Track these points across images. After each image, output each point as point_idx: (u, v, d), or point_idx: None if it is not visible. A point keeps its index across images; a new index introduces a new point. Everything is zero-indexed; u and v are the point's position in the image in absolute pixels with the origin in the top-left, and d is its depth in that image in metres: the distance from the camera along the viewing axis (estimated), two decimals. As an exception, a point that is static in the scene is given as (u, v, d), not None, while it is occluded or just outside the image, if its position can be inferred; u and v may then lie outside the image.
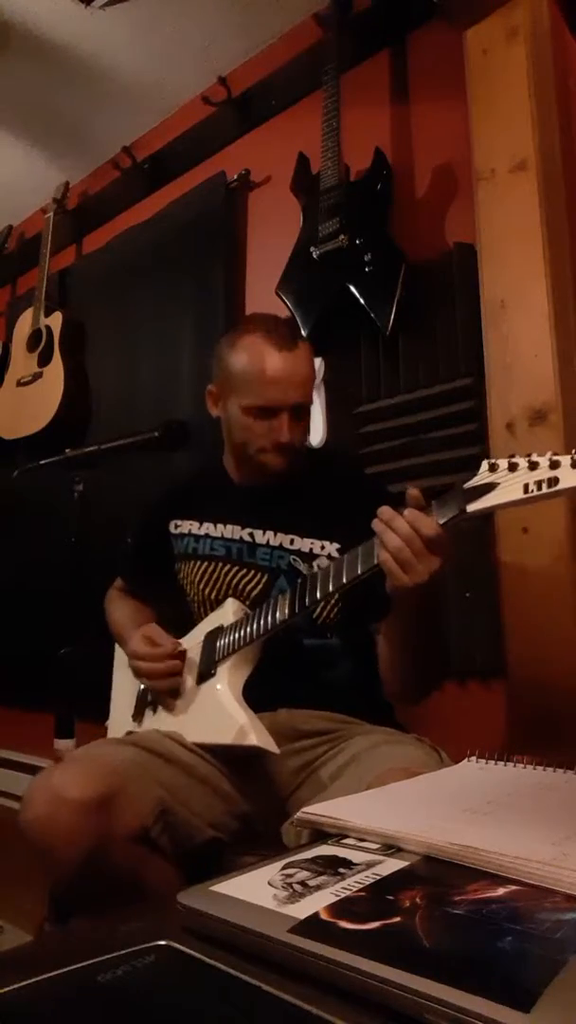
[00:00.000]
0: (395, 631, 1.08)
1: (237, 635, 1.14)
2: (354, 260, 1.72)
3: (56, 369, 2.58)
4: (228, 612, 1.20)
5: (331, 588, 1.02)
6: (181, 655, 1.19)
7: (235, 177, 2.25)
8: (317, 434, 1.81)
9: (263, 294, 1.97)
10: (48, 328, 2.64)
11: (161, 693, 1.20)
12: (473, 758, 0.86)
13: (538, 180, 1.45)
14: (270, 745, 1.03)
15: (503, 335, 1.47)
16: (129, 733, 1.25)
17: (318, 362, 1.81)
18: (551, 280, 1.42)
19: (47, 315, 2.66)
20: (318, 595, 1.04)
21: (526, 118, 1.48)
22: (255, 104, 2.26)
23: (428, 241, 1.76)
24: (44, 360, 2.63)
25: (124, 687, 1.36)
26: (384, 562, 0.93)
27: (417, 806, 0.70)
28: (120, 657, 1.41)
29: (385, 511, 0.94)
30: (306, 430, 1.26)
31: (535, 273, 1.43)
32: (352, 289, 1.71)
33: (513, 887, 0.50)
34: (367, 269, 1.70)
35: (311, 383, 1.24)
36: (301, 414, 1.23)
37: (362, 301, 1.70)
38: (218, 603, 1.24)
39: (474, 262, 1.55)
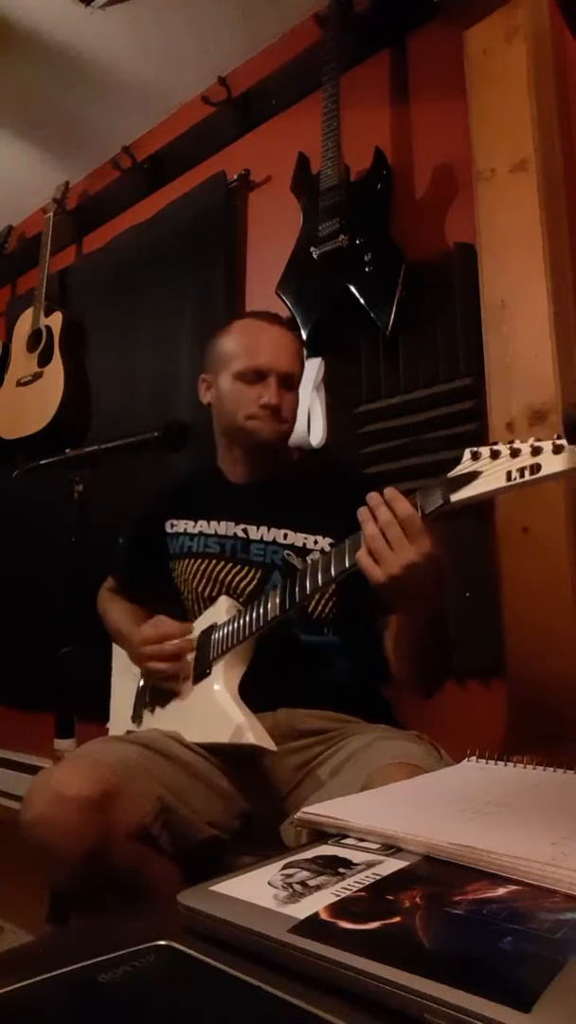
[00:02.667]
0: (401, 636, 1.08)
1: (229, 631, 1.14)
2: (354, 260, 1.72)
3: (56, 369, 2.58)
4: (221, 610, 1.19)
5: (320, 582, 1.02)
6: (188, 642, 1.19)
7: (235, 177, 2.25)
8: (317, 434, 1.81)
9: (263, 294, 1.97)
10: (48, 328, 2.64)
11: (166, 677, 1.18)
12: (473, 758, 0.86)
13: (538, 180, 1.45)
14: (267, 743, 1.03)
15: (503, 335, 1.47)
16: (129, 733, 1.25)
17: (318, 362, 1.81)
18: (551, 280, 1.42)
19: (47, 315, 2.66)
20: (308, 589, 1.04)
21: (526, 118, 1.48)
22: (255, 104, 2.26)
23: (428, 241, 1.76)
24: (44, 360, 2.63)
25: (123, 689, 1.36)
26: (358, 558, 0.93)
27: (417, 806, 0.70)
28: (118, 659, 1.40)
29: (373, 497, 0.93)
30: (294, 404, 1.27)
31: (535, 273, 1.43)
32: (352, 289, 1.71)
33: (513, 887, 0.50)
34: (367, 269, 1.70)
35: (298, 360, 1.28)
36: (290, 384, 1.25)
37: (362, 301, 1.70)
38: (212, 601, 1.24)
39: (474, 262, 1.55)
